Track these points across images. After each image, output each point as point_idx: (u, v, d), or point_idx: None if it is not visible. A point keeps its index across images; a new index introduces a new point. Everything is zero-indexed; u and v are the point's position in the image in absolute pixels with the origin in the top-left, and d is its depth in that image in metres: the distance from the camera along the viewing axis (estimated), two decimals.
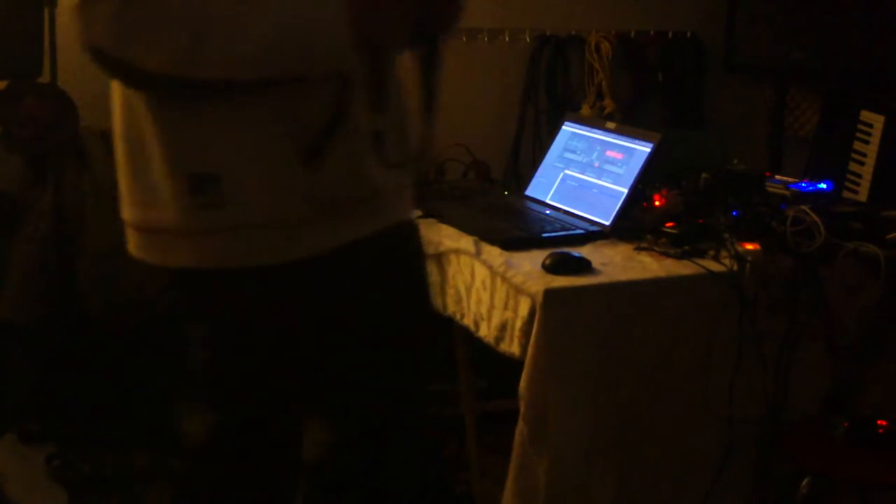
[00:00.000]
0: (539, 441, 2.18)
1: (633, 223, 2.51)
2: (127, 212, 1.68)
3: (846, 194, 3.03)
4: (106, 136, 3.10)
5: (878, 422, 2.33)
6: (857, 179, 3.04)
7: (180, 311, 1.74)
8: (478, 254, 2.38)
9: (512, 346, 2.24)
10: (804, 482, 2.24)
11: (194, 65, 1.47)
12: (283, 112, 1.56)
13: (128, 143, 1.68)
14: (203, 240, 1.60)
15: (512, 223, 2.59)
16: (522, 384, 2.15)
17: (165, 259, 1.66)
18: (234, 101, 1.54)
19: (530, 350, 2.15)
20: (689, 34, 3.91)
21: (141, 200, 1.64)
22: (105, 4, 1.45)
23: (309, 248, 1.62)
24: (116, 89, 1.72)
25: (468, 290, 2.41)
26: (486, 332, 2.33)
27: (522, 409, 2.16)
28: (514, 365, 2.21)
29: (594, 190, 2.63)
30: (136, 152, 1.64)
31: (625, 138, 2.64)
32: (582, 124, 2.83)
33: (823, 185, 2.75)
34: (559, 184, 2.74)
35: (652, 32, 3.86)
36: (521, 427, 2.19)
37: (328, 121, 1.57)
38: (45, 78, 2.85)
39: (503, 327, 2.27)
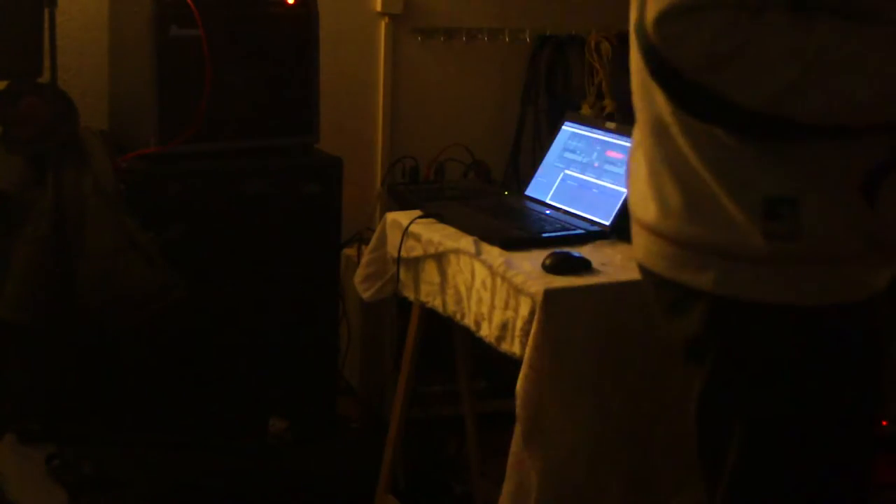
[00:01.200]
0: (532, 441, 2.18)
1: None
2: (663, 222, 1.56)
3: None
4: (106, 136, 3.10)
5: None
6: None
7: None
8: (478, 254, 2.39)
9: (513, 346, 2.24)
10: None
11: (799, 104, 1.38)
12: (852, 148, 1.45)
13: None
14: (777, 271, 1.47)
15: (512, 223, 2.59)
16: (518, 384, 2.15)
17: (705, 282, 1.51)
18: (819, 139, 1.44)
19: (527, 350, 2.15)
20: None
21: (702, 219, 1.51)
22: (708, 21, 1.36)
23: (867, 288, 1.49)
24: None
25: (468, 290, 2.41)
26: (487, 331, 2.33)
27: (517, 408, 2.16)
28: (514, 365, 2.21)
29: (594, 190, 2.64)
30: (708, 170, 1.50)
31: (625, 138, 2.64)
32: (582, 124, 2.83)
33: None
34: (559, 184, 2.75)
35: None
36: (516, 428, 2.19)
37: (887, 160, 1.46)
38: (45, 78, 2.84)
39: (504, 327, 2.27)
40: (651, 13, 1.40)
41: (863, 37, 1.39)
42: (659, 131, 1.56)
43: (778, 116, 1.39)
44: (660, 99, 1.53)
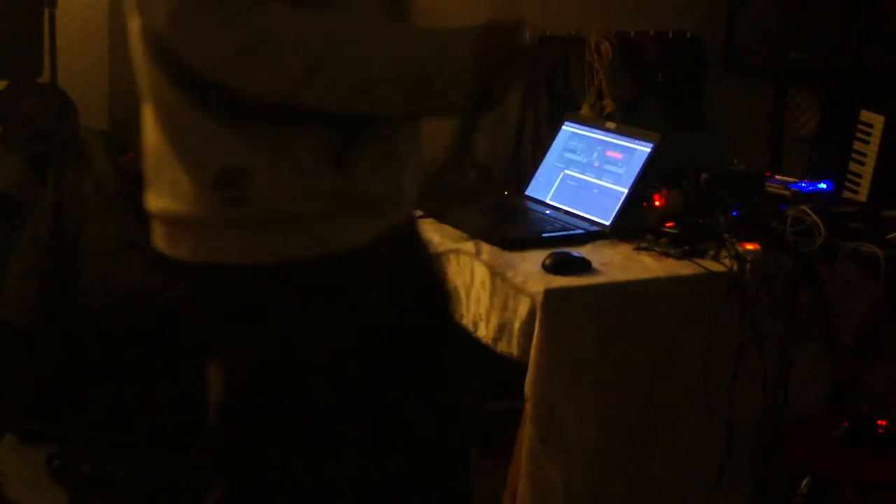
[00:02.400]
0: (551, 441, 2.17)
1: (633, 223, 2.51)
2: (153, 202, 1.64)
3: (846, 194, 3.03)
4: (106, 136, 3.10)
5: (878, 422, 2.33)
6: (857, 179, 3.04)
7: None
8: (478, 254, 2.38)
9: (510, 347, 2.24)
10: (804, 482, 2.24)
11: (307, 94, 1.45)
12: (312, 126, 1.54)
13: (162, 133, 1.60)
14: (229, 233, 1.55)
15: (512, 223, 2.59)
16: (528, 385, 2.15)
17: (185, 252, 1.60)
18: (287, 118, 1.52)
19: (533, 350, 2.15)
20: (689, 34, 3.91)
21: (168, 192, 1.59)
22: (215, 20, 1.39)
23: (341, 242, 1.58)
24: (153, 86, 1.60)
25: (467, 290, 2.41)
26: (484, 332, 2.33)
27: (529, 410, 2.16)
28: (514, 365, 2.21)
29: (594, 190, 2.63)
30: (168, 143, 1.58)
31: (625, 138, 2.64)
32: (582, 124, 2.83)
33: (823, 185, 2.75)
34: (559, 184, 2.74)
35: (652, 32, 3.86)
36: (528, 429, 2.19)
37: (350, 133, 1.56)
38: (45, 78, 2.84)
39: (502, 328, 2.27)
40: (160, 12, 1.42)
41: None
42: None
43: (284, 103, 1.46)
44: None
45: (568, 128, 2.85)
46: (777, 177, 2.82)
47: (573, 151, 2.77)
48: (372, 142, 1.56)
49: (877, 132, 3.01)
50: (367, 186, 1.57)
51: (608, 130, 2.72)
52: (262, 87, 1.44)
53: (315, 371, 1.59)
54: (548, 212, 2.68)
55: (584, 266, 2.26)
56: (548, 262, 2.26)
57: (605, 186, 2.61)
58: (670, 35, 3.88)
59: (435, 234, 2.55)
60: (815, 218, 2.41)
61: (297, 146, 1.51)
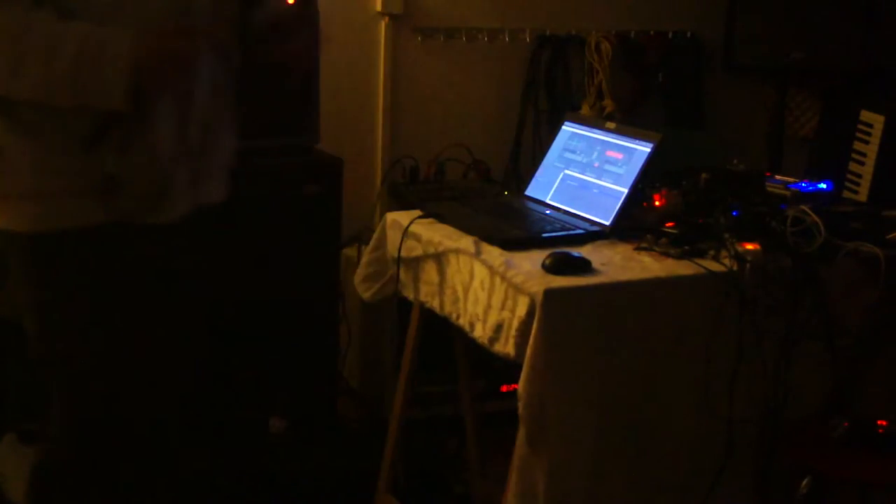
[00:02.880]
0: (537, 442, 2.18)
1: (633, 223, 2.51)
2: None
3: (846, 194, 3.03)
4: None
5: (878, 422, 2.33)
6: (857, 179, 3.04)
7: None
8: (478, 254, 2.38)
9: (507, 347, 2.24)
10: (804, 482, 2.25)
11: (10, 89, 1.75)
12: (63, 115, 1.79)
13: None
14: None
15: (512, 223, 2.59)
16: (521, 385, 2.15)
17: None
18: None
19: (529, 350, 2.15)
20: (689, 34, 3.92)
21: None
22: None
23: (74, 218, 1.82)
24: None
25: (465, 290, 2.41)
26: (480, 332, 2.33)
27: (520, 409, 2.16)
28: (514, 365, 2.21)
29: (594, 190, 2.63)
30: None
31: (625, 138, 2.64)
32: (582, 124, 2.83)
33: (823, 185, 2.75)
34: (559, 184, 2.75)
35: (652, 32, 3.86)
36: (520, 427, 2.19)
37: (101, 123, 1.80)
38: None
39: (499, 328, 2.27)
40: None
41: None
42: None
43: None
44: None
45: (568, 128, 2.85)
46: (777, 177, 2.82)
47: (573, 151, 2.78)
48: (121, 132, 1.80)
49: (877, 132, 3.02)
50: (112, 171, 1.81)
51: (608, 130, 2.72)
52: None
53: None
54: (548, 212, 2.68)
55: (584, 266, 2.26)
56: (548, 262, 2.26)
57: (605, 186, 2.61)
58: (670, 35, 3.88)
59: (435, 233, 2.55)
60: (815, 218, 2.41)
61: (49, 130, 1.79)
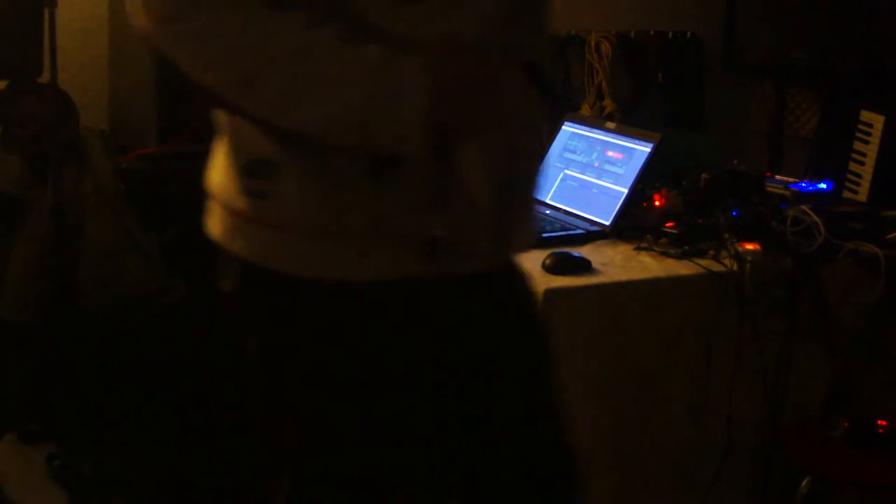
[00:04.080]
0: None
1: (633, 223, 2.51)
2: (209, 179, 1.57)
3: (846, 194, 3.03)
4: (106, 136, 3.10)
5: (878, 422, 2.33)
6: (857, 179, 3.04)
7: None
8: None
9: None
10: (804, 482, 2.25)
11: (249, 99, 1.35)
12: None
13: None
14: (259, 231, 1.45)
15: None
16: None
17: (225, 239, 1.52)
18: None
19: None
20: (689, 34, 3.91)
21: (217, 170, 1.53)
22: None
23: (372, 271, 1.43)
24: None
25: None
26: None
27: None
28: None
29: (594, 190, 2.63)
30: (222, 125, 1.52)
31: (625, 138, 2.64)
32: (582, 124, 2.83)
33: (823, 185, 2.75)
34: (559, 184, 2.74)
35: (652, 32, 3.86)
36: None
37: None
38: (45, 78, 2.84)
39: None
40: None
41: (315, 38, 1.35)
42: None
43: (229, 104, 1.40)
44: None
45: (568, 128, 2.85)
46: (777, 177, 2.82)
47: (573, 151, 2.77)
48: (417, 162, 1.40)
49: (877, 132, 3.01)
50: (407, 210, 1.42)
51: (608, 130, 2.72)
52: (211, 87, 1.37)
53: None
54: (548, 212, 2.68)
55: (584, 266, 2.26)
56: (548, 261, 2.26)
57: (605, 186, 2.61)
58: (670, 35, 3.88)
59: None
60: (815, 218, 2.42)
61: (336, 157, 1.39)
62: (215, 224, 1.55)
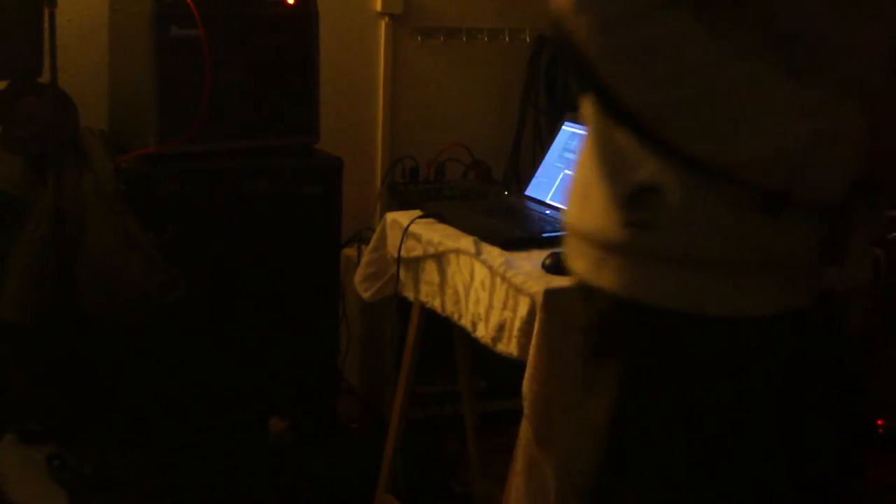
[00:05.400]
0: (546, 440, 2.17)
1: None
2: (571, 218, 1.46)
3: None
4: (106, 136, 3.10)
5: (878, 422, 2.33)
6: None
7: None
8: (478, 254, 2.38)
9: (510, 347, 2.24)
10: None
11: (674, 125, 1.27)
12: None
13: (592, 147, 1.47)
14: (633, 263, 1.35)
15: (512, 223, 2.59)
16: (525, 384, 2.15)
17: (591, 275, 1.40)
18: None
19: (532, 350, 2.15)
20: None
21: (586, 208, 1.42)
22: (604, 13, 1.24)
23: (760, 306, 1.33)
24: None
25: (467, 290, 2.41)
26: (483, 332, 2.33)
27: (526, 409, 2.16)
28: (515, 365, 2.21)
29: None
30: (594, 158, 1.43)
31: None
32: (582, 124, 2.82)
33: None
34: (560, 184, 2.74)
35: None
36: (525, 427, 2.19)
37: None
38: (45, 78, 2.84)
39: (501, 327, 2.27)
40: None
41: (775, 69, 1.26)
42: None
43: (646, 127, 1.30)
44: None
45: (568, 128, 2.85)
46: None
47: (574, 151, 2.77)
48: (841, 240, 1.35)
49: None
50: (799, 245, 1.33)
51: None
52: (626, 97, 1.28)
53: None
54: (548, 212, 2.68)
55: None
56: (548, 262, 2.26)
57: None
58: None
59: (435, 233, 2.55)
60: None
61: (723, 176, 1.29)
62: (577, 259, 1.43)
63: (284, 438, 3.09)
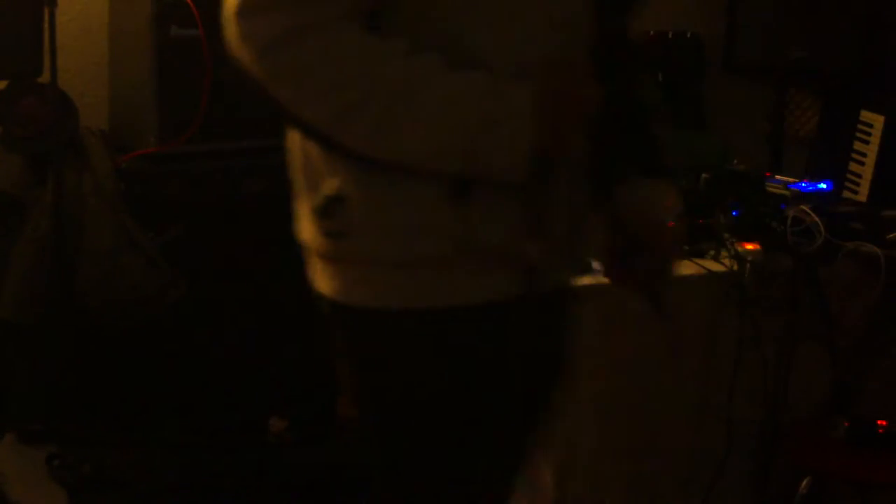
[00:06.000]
0: (545, 441, 2.17)
1: None
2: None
3: (846, 194, 3.03)
4: (106, 136, 3.10)
5: (878, 422, 2.33)
6: (857, 179, 3.04)
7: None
8: None
9: None
10: (804, 482, 2.25)
11: (348, 131, 1.34)
12: None
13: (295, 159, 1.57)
14: (341, 269, 1.46)
15: None
16: None
17: (320, 286, 1.52)
18: None
19: None
20: (689, 34, 3.91)
21: (302, 219, 1.53)
22: (267, 21, 1.31)
23: (452, 296, 1.41)
24: None
25: None
26: None
27: None
28: None
29: None
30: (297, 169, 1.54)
31: None
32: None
33: (823, 185, 2.75)
34: None
35: (652, 32, 3.86)
36: None
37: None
38: (45, 78, 2.84)
39: None
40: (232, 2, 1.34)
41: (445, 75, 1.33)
42: None
43: (325, 137, 1.37)
44: None
45: None
46: (777, 177, 2.82)
47: None
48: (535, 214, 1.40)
49: (877, 132, 3.01)
50: (489, 235, 1.39)
51: None
52: (298, 113, 1.37)
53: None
54: None
55: (584, 266, 2.26)
56: None
57: None
58: (670, 35, 3.88)
59: None
60: (815, 218, 2.42)
61: (402, 177, 1.36)
62: (309, 268, 1.54)
63: (284, 438, 3.09)
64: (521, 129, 1.32)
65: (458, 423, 1.47)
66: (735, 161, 2.74)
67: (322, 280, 1.50)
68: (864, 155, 3.03)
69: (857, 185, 3.03)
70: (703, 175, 2.61)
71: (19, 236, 2.90)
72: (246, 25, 1.32)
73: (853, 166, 3.06)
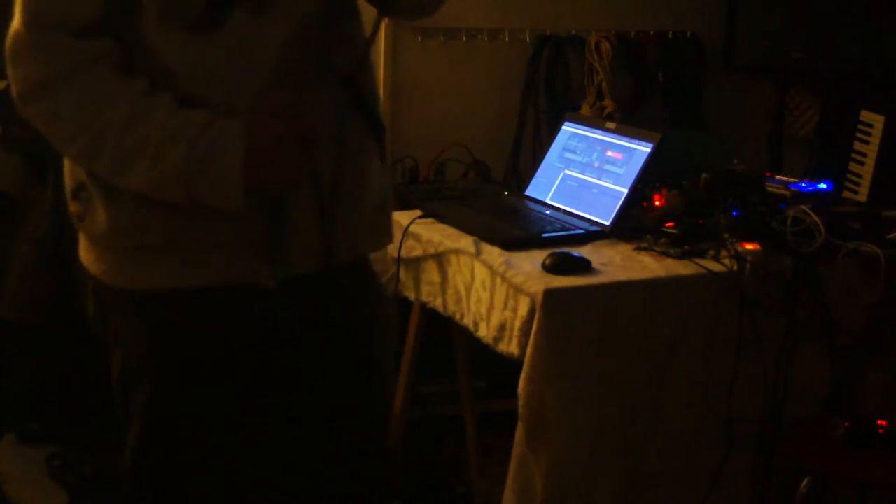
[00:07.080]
0: (536, 441, 2.18)
1: (633, 223, 2.51)
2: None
3: (846, 194, 3.03)
4: None
5: (878, 422, 2.33)
6: (857, 179, 3.04)
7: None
8: (478, 254, 2.39)
9: (511, 346, 2.24)
10: (804, 482, 2.25)
11: (94, 165, 1.53)
12: None
13: None
14: (95, 251, 1.65)
15: (512, 223, 2.59)
16: (521, 384, 2.15)
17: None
18: None
19: (529, 350, 2.15)
20: (689, 34, 3.91)
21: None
22: (24, 72, 1.50)
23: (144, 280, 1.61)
24: None
25: (468, 290, 2.41)
26: (485, 332, 2.34)
27: (520, 408, 2.16)
28: (514, 365, 2.21)
29: (594, 190, 2.63)
30: None
31: (625, 138, 2.64)
32: (582, 124, 2.83)
33: (823, 185, 2.75)
34: (559, 184, 2.75)
35: (652, 32, 3.86)
36: (519, 427, 2.19)
37: None
38: None
39: (502, 327, 2.27)
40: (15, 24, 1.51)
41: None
42: None
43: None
44: None
45: (568, 128, 2.85)
46: (777, 177, 2.82)
47: (573, 151, 2.78)
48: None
49: (877, 132, 3.01)
50: (242, 227, 1.56)
51: (608, 130, 2.72)
52: (61, 151, 1.58)
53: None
54: (548, 212, 2.68)
55: (584, 266, 2.26)
56: (548, 262, 2.26)
57: (605, 186, 2.61)
58: (670, 35, 3.88)
59: (435, 234, 2.55)
60: (815, 218, 2.42)
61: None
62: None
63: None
64: (231, 162, 1.47)
65: (177, 401, 1.76)
66: (735, 161, 2.74)
67: (86, 258, 1.68)
68: (864, 155, 3.03)
69: (857, 185, 3.04)
70: (703, 175, 2.61)
71: (19, 236, 2.90)
72: (11, 72, 1.51)
73: (853, 166, 3.06)
